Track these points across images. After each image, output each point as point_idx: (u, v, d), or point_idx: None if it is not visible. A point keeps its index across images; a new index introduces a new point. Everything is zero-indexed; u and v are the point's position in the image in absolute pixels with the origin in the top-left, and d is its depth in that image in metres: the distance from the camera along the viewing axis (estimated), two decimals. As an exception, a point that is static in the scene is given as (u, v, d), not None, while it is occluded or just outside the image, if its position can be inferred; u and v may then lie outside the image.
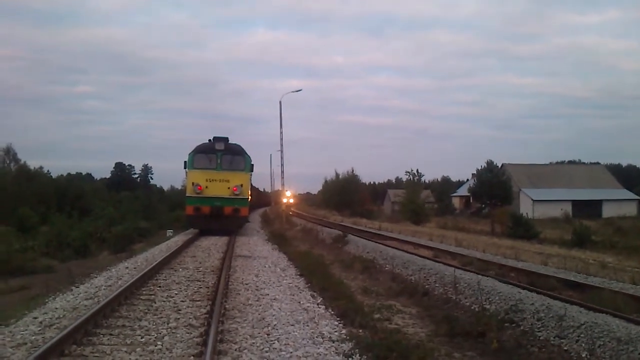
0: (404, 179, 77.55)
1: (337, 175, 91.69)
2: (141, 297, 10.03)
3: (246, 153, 24.21)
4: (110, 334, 7.45)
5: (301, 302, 10.18)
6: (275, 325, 8.25)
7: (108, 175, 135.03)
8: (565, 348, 8.68)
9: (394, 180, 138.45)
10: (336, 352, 7.10)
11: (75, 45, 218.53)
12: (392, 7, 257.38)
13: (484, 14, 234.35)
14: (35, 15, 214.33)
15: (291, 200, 66.81)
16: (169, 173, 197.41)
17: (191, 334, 7.57)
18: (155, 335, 7.44)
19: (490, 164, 66.23)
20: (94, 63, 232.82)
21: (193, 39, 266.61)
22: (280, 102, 36.75)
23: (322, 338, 7.74)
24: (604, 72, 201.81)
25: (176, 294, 10.43)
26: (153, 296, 10.11)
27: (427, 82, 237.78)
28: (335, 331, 8.21)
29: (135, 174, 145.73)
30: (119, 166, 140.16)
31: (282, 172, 37.82)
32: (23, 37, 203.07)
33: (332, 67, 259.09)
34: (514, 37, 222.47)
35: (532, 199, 74.10)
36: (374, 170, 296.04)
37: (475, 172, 69.52)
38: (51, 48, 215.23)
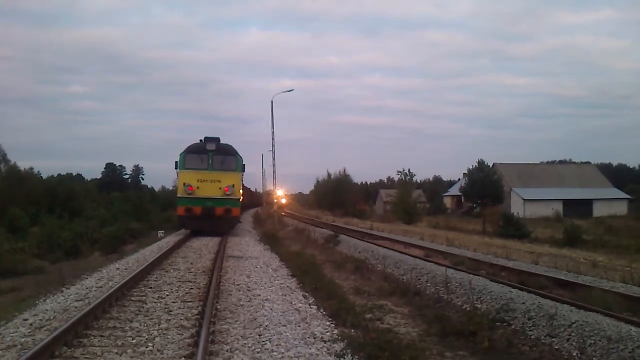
0: (396, 179, 77.56)
1: (329, 175, 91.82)
2: (132, 298, 9.99)
3: (238, 153, 24.18)
4: (101, 336, 7.41)
5: (293, 303, 10.18)
6: (267, 325, 8.24)
7: (99, 176, 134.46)
8: (556, 347, 8.72)
9: (385, 180, 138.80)
10: (328, 353, 7.10)
11: (68, 45, 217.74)
12: (386, 7, 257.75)
13: (478, 14, 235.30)
14: (29, 15, 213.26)
15: (283, 201, 66.44)
16: (160, 173, 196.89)
17: (182, 335, 7.54)
18: (147, 336, 7.41)
19: (481, 163, 66.37)
20: (87, 63, 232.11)
21: (187, 39, 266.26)
22: (271, 102, 36.60)
23: (314, 338, 7.74)
24: (597, 72, 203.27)
25: (167, 295, 10.39)
26: (144, 297, 10.07)
27: (421, 82, 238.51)
28: (327, 331, 8.21)
29: (126, 174, 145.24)
30: (110, 167, 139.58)
31: (274, 172, 37.77)
32: (16, 37, 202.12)
33: (326, 67, 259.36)
34: (508, 37, 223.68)
35: (523, 199, 74.43)
36: (366, 170, 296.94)
37: (466, 171, 69.73)
38: (44, 48, 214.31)
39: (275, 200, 41.80)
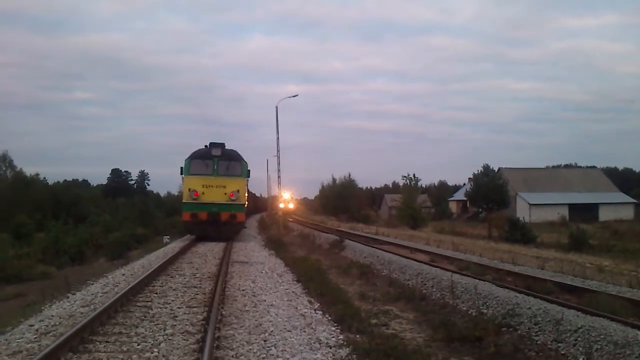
0: (401, 184, 77.50)
1: (334, 180, 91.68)
2: (138, 303, 10.00)
3: (243, 159, 24.22)
4: (107, 341, 7.42)
5: (298, 308, 10.17)
6: (272, 331, 8.23)
7: (104, 182, 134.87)
8: (563, 352, 8.68)
9: (390, 185, 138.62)
10: (333, 358, 7.09)
11: (72, 51, 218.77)
12: (389, 12, 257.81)
13: (480, 18, 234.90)
14: (32, 21, 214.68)
15: (291, 205, 65.40)
16: (166, 179, 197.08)
17: (188, 340, 7.54)
18: (152, 342, 7.41)
19: (486, 168, 66.28)
20: (91, 69, 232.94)
21: (190, 45, 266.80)
22: (276, 108, 36.69)
23: (319, 344, 7.72)
24: (600, 76, 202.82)
25: (173, 300, 10.39)
26: (150, 303, 10.08)
27: (425, 86, 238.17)
28: (333, 337, 8.20)
29: (131, 180, 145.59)
30: (115, 172, 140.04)
31: (279, 177, 37.79)
32: (20, 43, 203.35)
33: (330, 72, 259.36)
34: (511, 41, 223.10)
35: (528, 203, 74.25)
36: (371, 175, 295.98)
37: (472, 176, 69.62)
38: (48, 54, 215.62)
39: (282, 206, 41.69)
